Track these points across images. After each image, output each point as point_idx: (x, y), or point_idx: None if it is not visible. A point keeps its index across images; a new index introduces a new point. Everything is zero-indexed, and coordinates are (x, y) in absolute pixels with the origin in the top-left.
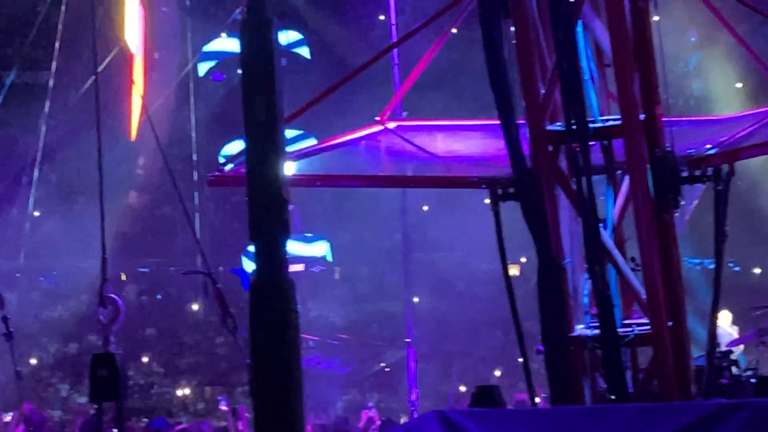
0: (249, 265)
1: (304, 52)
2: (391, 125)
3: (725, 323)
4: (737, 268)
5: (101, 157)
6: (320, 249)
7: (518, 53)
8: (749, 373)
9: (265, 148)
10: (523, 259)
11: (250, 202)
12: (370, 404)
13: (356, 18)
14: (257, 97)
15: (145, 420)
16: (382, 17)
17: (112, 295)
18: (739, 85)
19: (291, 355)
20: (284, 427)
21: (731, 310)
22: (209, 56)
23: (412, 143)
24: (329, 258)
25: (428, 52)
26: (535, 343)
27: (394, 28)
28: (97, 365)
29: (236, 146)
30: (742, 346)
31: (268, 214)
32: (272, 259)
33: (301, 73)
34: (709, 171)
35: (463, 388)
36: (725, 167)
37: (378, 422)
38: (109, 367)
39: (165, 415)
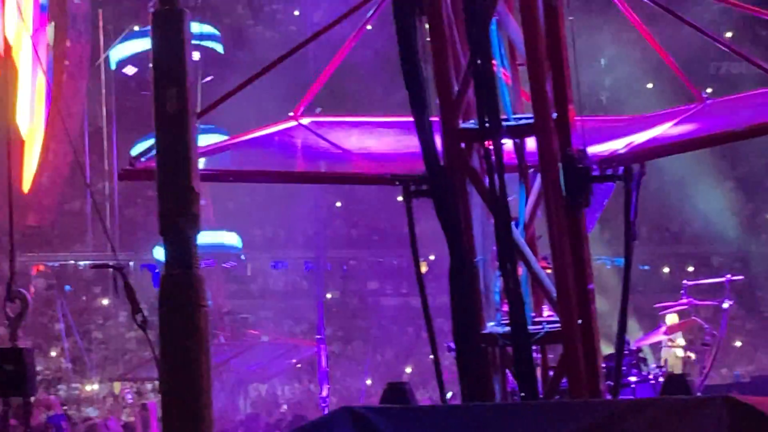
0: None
1: (218, 47)
2: (305, 121)
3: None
4: (646, 267)
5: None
6: (231, 238)
7: (432, 50)
8: (657, 371)
9: (175, 141)
10: (432, 257)
11: (160, 196)
12: (281, 400)
13: (272, 13)
14: (168, 90)
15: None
16: (296, 12)
17: (20, 289)
18: (650, 85)
19: (200, 351)
20: (193, 422)
21: (640, 309)
22: (123, 53)
23: (325, 139)
24: (239, 245)
25: (342, 49)
26: (447, 340)
27: (309, 23)
28: (3, 360)
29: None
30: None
31: (178, 208)
32: (182, 253)
33: (215, 68)
34: (620, 170)
35: (371, 384)
36: (636, 167)
37: (289, 418)
38: (15, 361)
39: (74, 410)
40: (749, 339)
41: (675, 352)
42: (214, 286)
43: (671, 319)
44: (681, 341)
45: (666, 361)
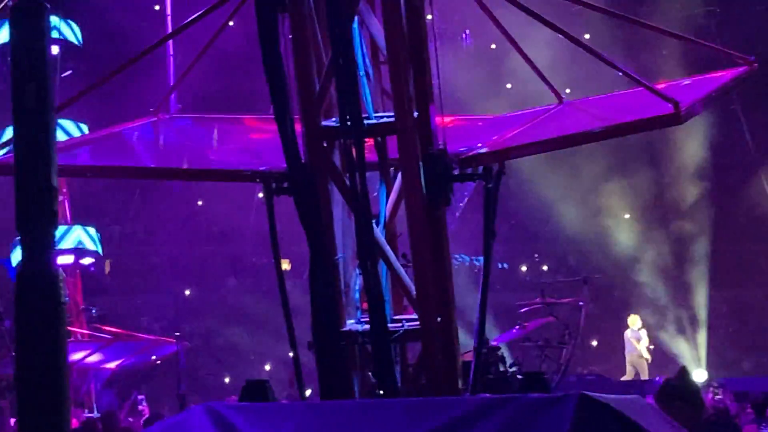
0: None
1: (75, 40)
2: (166, 117)
3: (633, 326)
4: (505, 266)
5: None
6: (86, 234)
7: (294, 48)
8: (515, 368)
9: (34, 136)
10: (292, 255)
11: (18, 191)
12: (140, 397)
13: (134, 7)
14: (27, 84)
15: None
16: (157, 7)
17: None
18: (508, 86)
19: (57, 349)
20: (49, 421)
21: (498, 307)
22: None
23: (186, 135)
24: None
25: (205, 45)
26: (306, 338)
27: (169, 18)
28: None
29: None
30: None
31: (35, 203)
32: (39, 249)
33: (74, 62)
34: (480, 169)
35: (230, 381)
36: (495, 166)
37: (146, 415)
38: None
39: None
40: (605, 338)
41: (639, 352)
42: (71, 283)
43: (633, 321)
44: (645, 342)
45: (523, 358)
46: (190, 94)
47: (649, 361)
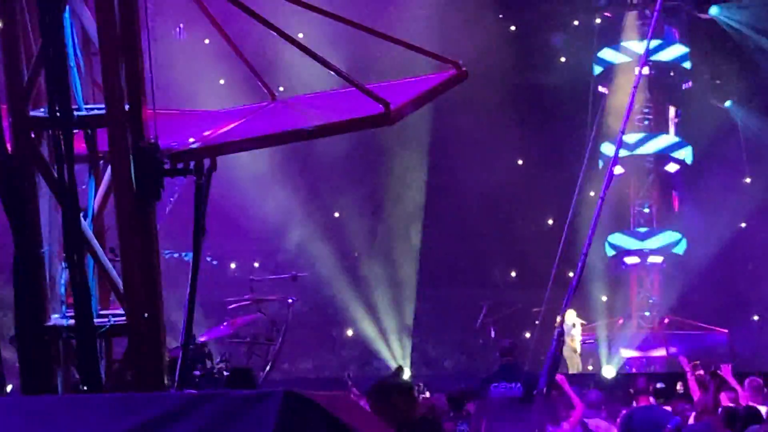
0: None
1: None
2: None
3: (568, 322)
4: (215, 262)
5: None
6: None
7: (2, 36)
8: (222, 365)
9: None
10: None
11: None
12: None
13: None
14: None
15: None
16: None
17: None
18: (222, 81)
19: None
20: None
21: (207, 303)
22: None
23: None
24: None
25: None
26: (11, 332)
27: None
28: None
29: None
30: None
31: None
32: None
33: None
34: (192, 165)
35: None
36: (207, 162)
37: None
38: None
39: None
40: (312, 334)
41: (572, 347)
42: None
43: (568, 316)
44: (578, 338)
45: (231, 355)
46: None
47: (579, 354)
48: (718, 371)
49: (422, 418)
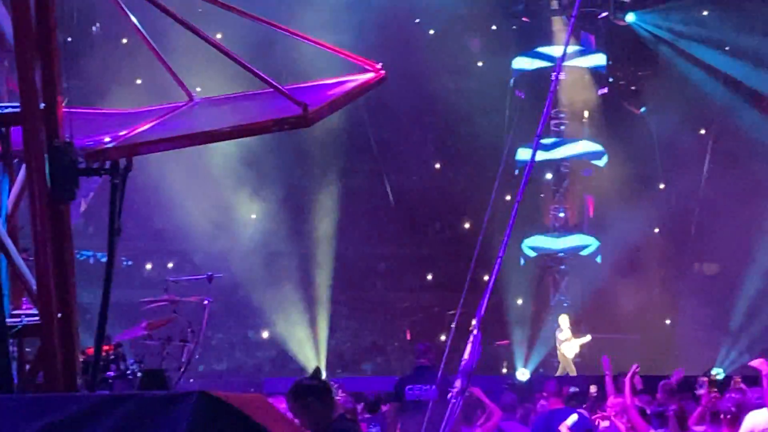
0: None
1: None
2: None
3: (564, 325)
4: (130, 263)
5: None
6: None
7: None
8: (136, 366)
9: None
10: None
11: None
12: None
13: None
14: None
15: None
16: None
17: None
18: (139, 81)
19: None
20: None
21: (121, 304)
22: None
23: None
24: None
25: None
26: None
27: None
28: None
29: None
30: None
31: None
32: None
33: None
34: (108, 164)
35: None
36: (123, 161)
37: None
38: None
39: None
40: (228, 335)
41: (565, 352)
42: None
43: (563, 320)
44: (567, 342)
45: (145, 356)
46: None
47: (570, 358)
48: (631, 374)
49: (340, 417)
